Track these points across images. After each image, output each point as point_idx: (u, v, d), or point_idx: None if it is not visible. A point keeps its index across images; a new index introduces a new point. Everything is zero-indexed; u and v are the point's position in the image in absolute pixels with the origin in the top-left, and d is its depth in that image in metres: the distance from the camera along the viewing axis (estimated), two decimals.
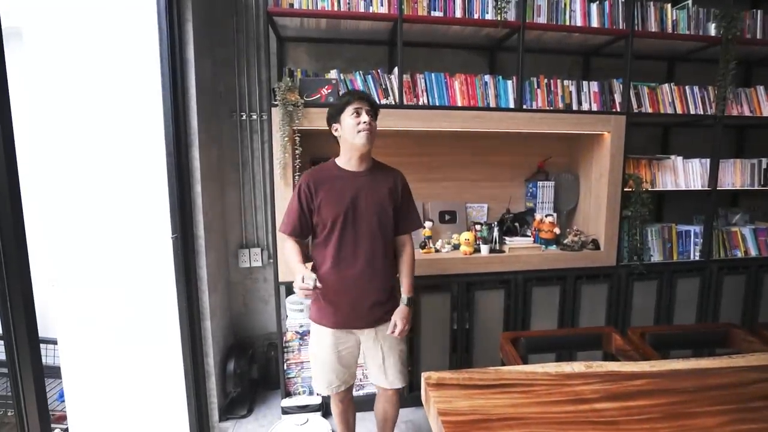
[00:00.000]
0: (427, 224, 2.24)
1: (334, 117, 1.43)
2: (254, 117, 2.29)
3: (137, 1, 1.71)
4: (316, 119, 1.91)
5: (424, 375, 1.14)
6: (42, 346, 2.54)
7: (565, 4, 2.13)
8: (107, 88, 1.73)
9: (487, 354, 2.16)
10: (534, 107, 2.15)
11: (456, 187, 2.41)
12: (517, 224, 2.35)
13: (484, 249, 2.15)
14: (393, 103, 2.02)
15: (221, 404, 2.04)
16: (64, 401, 2.00)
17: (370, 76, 2.04)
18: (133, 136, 1.77)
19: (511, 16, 2.07)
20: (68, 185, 1.74)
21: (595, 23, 2.14)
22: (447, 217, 2.38)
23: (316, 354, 1.53)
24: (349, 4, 1.96)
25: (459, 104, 2.09)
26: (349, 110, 1.38)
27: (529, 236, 2.30)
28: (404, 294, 1.51)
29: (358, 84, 2.02)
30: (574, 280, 2.23)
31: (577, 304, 2.26)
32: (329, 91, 1.97)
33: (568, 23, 2.13)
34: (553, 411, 0.98)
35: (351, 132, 1.37)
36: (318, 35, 2.23)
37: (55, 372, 2.32)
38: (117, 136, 1.75)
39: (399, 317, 1.45)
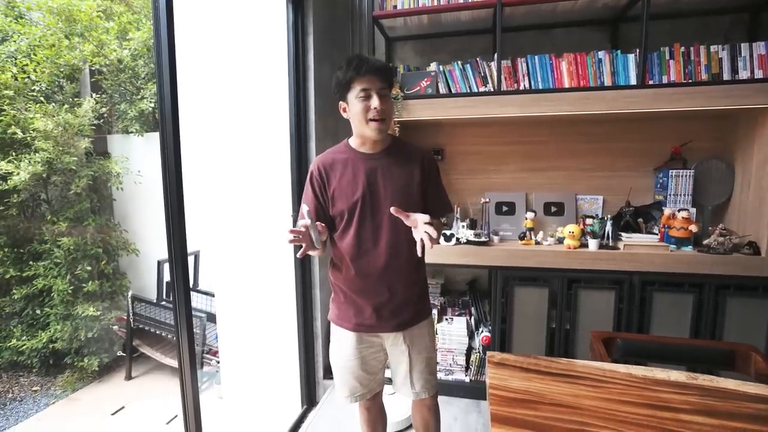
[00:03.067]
0: (529, 215, 2.14)
1: (339, 93, 1.20)
2: None
3: (273, 21, 2.11)
4: (416, 110, 2.02)
5: (488, 353, 1.15)
6: (206, 297, 3.30)
7: None
8: (249, 92, 2.18)
9: (588, 359, 1.95)
10: (665, 82, 1.84)
11: (564, 177, 2.23)
12: (640, 219, 2.05)
13: (592, 244, 1.94)
14: (491, 90, 1.99)
15: (325, 363, 2.34)
16: (218, 341, 2.60)
17: (468, 65, 2.05)
18: (265, 131, 2.19)
19: None
20: (218, 169, 2.25)
21: None
22: (553, 209, 2.22)
23: (336, 360, 1.35)
24: None
25: (566, 86, 1.93)
26: (356, 90, 1.13)
27: (656, 233, 1.98)
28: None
29: (456, 74, 2.05)
30: (716, 290, 1.83)
31: (719, 320, 1.84)
32: (428, 83, 2.06)
33: None
34: (620, 410, 0.89)
35: (360, 120, 1.15)
36: (422, 31, 2.34)
37: (214, 318, 3.01)
38: (254, 131, 2.19)
39: (431, 227, 1.02)
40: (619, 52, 1.89)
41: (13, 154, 3.07)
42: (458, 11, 2.02)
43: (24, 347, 3.23)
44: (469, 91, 2.02)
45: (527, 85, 1.97)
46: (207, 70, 2.34)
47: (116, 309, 3.68)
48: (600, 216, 2.12)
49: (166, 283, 3.58)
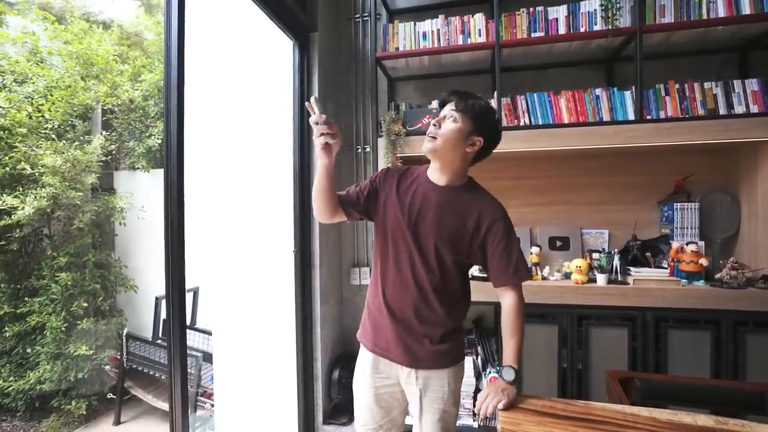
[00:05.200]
0: (534, 249, 2.11)
1: None
2: (368, 149, 2.58)
3: (280, 63, 2.20)
4: (418, 146, 2.05)
5: None
6: (203, 335, 3.19)
7: None
8: (255, 130, 2.23)
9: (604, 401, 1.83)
10: (662, 117, 1.87)
11: (568, 211, 2.22)
12: (648, 253, 2.01)
13: (601, 279, 1.89)
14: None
15: (325, 408, 2.22)
16: (213, 382, 2.47)
17: None
18: (269, 168, 2.21)
19: (625, 22, 1.90)
20: (222, 205, 2.25)
21: (747, 10, 1.79)
22: (558, 244, 2.19)
23: (355, 382, 1.31)
24: (448, 39, 2.10)
25: (566, 122, 1.96)
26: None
27: (666, 267, 1.93)
28: (505, 360, 1.15)
29: None
30: (734, 327, 1.75)
31: (740, 359, 1.75)
32: (429, 120, 2.11)
33: (705, 17, 1.83)
34: None
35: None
36: (423, 72, 2.42)
37: (211, 358, 2.89)
38: (256, 167, 2.22)
39: (491, 389, 1.08)
40: (615, 89, 1.95)
41: (20, 189, 3.11)
42: (458, 53, 2.10)
43: (10, 389, 3.10)
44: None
45: (528, 121, 2.01)
46: (216, 107, 2.41)
47: (110, 348, 3.56)
48: (607, 250, 2.08)
49: (163, 320, 3.49)
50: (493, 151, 1.23)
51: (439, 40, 2.12)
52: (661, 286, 1.83)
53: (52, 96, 3.18)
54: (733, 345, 1.75)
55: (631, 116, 1.89)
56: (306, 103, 1.09)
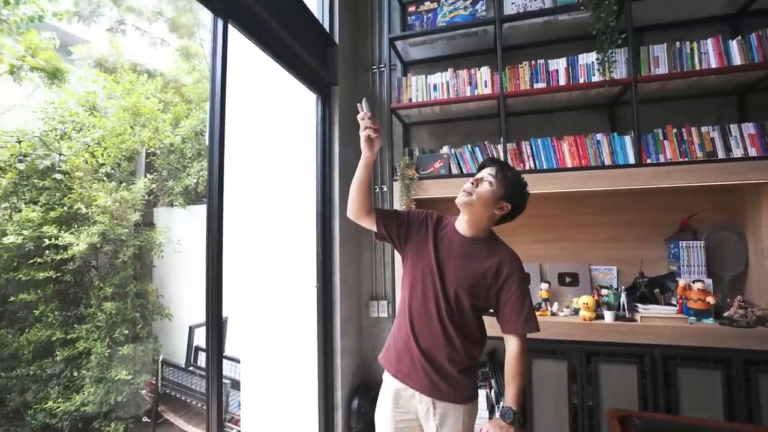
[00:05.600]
0: (544, 285, 2.20)
1: None
2: (385, 189, 2.76)
3: (306, 114, 2.44)
4: (430, 189, 2.22)
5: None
6: (231, 363, 3.39)
7: (691, 49, 1.98)
8: (282, 168, 2.46)
9: None
10: (662, 160, 1.97)
11: (576, 248, 2.30)
12: (657, 290, 2.06)
13: (608, 315, 1.96)
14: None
15: None
16: (240, 409, 2.63)
17: (477, 148, 2.27)
18: (294, 206, 2.43)
19: (621, 72, 2.04)
20: (251, 238, 2.47)
21: (737, 61, 1.90)
22: (568, 280, 2.27)
23: (377, 414, 1.40)
24: (457, 90, 2.30)
25: (569, 165, 2.09)
26: (476, 175, 1.34)
27: (674, 305, 1.98)
28: (505, 402, 1.24)
29: (467, 156, 2.27)
30: (744, 366, 1.77)
31: (754, 400, 1.76)
32: (441, 164, 2.28)
33: (698, 68, 1.95)
34: None
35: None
36: (435, 118, 2.62)
37: (238, 385, 3.06)
38: (283, 205, 2.44)
39: (491, 426, 1.19)
40: (615, 134, 2.07)
41: (76, 226, 3.47)
42: (466, 102, 2.29)
43: (58, 410, 3.36)
44: None
45: (532, 165, 2.14)
46: (247, 151, 2.67)
47: (146, 373, 3.80)
48: (615, 287, 2.15)
49: (195, 348, 3.71)
50: None
51: (448, 91, 2.31)
52: (669, 324, 1.88)
53: (105, 143, 3.58)
54: (744, 385, 1.76)
55: (632, 160, 2.00)
56: (358, 105, 1.28)
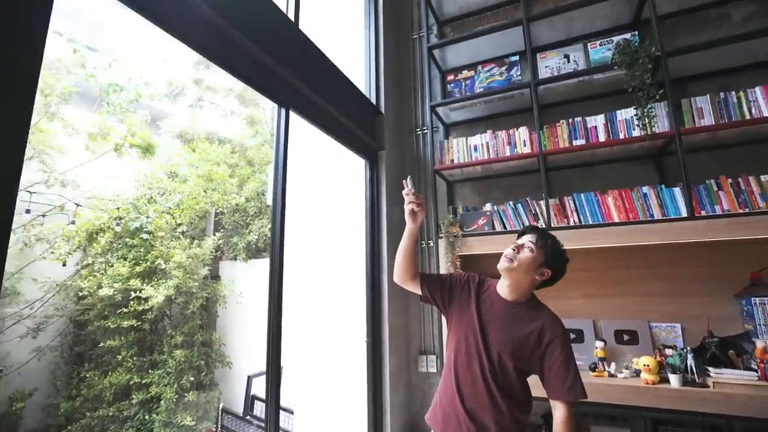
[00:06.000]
0: (599, 344, 2.11)
1: None
2: (431, 244, 2.87)
3: (356, 176, 2.68)
4: (475, 246, 2.29)
5: None
6: (284, 413, 3.47)
7: (738, 98, 1.95)
8: (334, 228, 2.66)
9: None
10: (718, 212, 1.90)
11: (633, 303, 2.20)
12: (732, 352, 1.90)
13: (674, 380, 1.83)
14: (542, 226, 2.20)
15: None
16: None
17: (520, 204, 2.33)
18: (344, 262, 2.59)
19: (663, 126, 2.05)
20: (303, 292, 2.64)
21: None
22: (626, 337, 2.16)
23: None
24: (497, 150, 2.41)
25: (615, 220, 2.07)
26: (516, 241, 1.40)
27: (755, 370, 1.80)
28: None
29: (509, 213, 2.33)
30: None
31: None
32: (484, 221, 2.36)
33: (747, 117, 1.91)
34: None
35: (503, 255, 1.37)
36: (477, 176, 2.73)
37: None
38: (334, 262, 2.61)
39: None
40: (663, 186, 2.04)
41: (155, 279, 3.91)
42: (506, 161, 2.39)
43: None
44: (521, 227, 2.25)
45: (576, 220, 2.15)
46: (303, 212, 2.93)
47: (207, 419, 3.99)
48: (681, 346, 2.01)
49: (252, 397, 3.86)
50: None
51: (488, 151, 2.44)
52: (750, 392, 1.71)
53: (182, 205, 4.11)
54: None
55: (684, 212, 1.95)
56: (403, 181, 1.42)
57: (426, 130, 2.97)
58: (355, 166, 2.69)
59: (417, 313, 2.84)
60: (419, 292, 1.48)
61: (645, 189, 2.06)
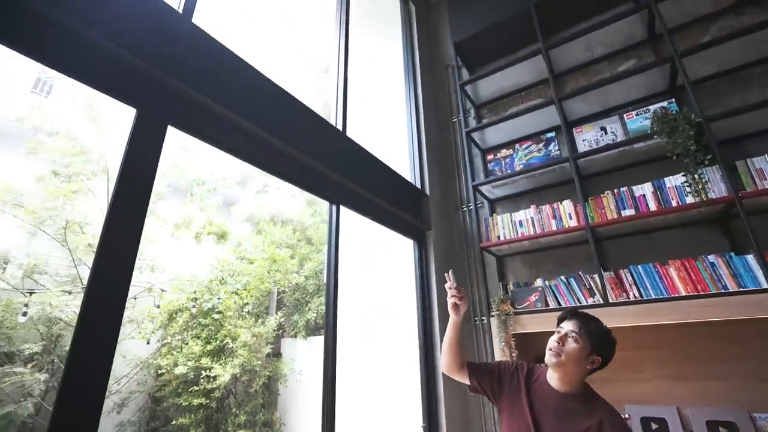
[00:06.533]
0: None
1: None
2: (485, 321, 2.81)
3: (405, 256, 2.79)
4: (528, 324, 2.22)
5: None
6: None
7: None
8: (386, 308, 2.73)
9: None
10: None
11: (725, 388, 1.94)
12: None
13: None
14: (599, 302, 2.10)
15: None
16: None
17: (573, 279, 2.26)
18: (397, 344, 2.61)
19: (719, 190, 1.96)
20: (357, 370, 2.65)
21: None
22: (722, 430, 1.87)
23: None
24: (542, 225, 2.43)
25: (682, 293, 1.93)
26: (557, 328, 1.38)
27: None
28: None
29: (562, 288, 2.26)
30: None
31: None
32: (536, 297, 2.31)
33: None
34: None
35: (547, 347, 1.35)
36: (526, 249, 2.72)
37: None
38: (386, 343, 2.63)
39: None
40: (732, 254, 1.89)
41: (223, 358, 4.15)
42: (554, 236, 2.38)
43: None
44: (577, 303, 2.17)
45: (637, 295, 2.03)
46: (354, 292, 3.06)
47: None
48: None
49: None
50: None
51: (533, 226, 2.46)
52: None
53: (249, 286, 4.46)
54: None
55: (764, 282, 1.77)
56: (445, 275, 1.49)
57: (471, 206, 3.08)
58: (405, 245, 2.82)
59: (475, 396, 2.70)
60: (467, 382, 1.48)
61: (712, 258, 1.93)
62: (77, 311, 4.41)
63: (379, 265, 2.98)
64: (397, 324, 2.73)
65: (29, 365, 3.90)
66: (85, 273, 4.72)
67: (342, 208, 2.15)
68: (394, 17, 3.71)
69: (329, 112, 2.56)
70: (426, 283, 2.69)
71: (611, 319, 2.00)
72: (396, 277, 2.87)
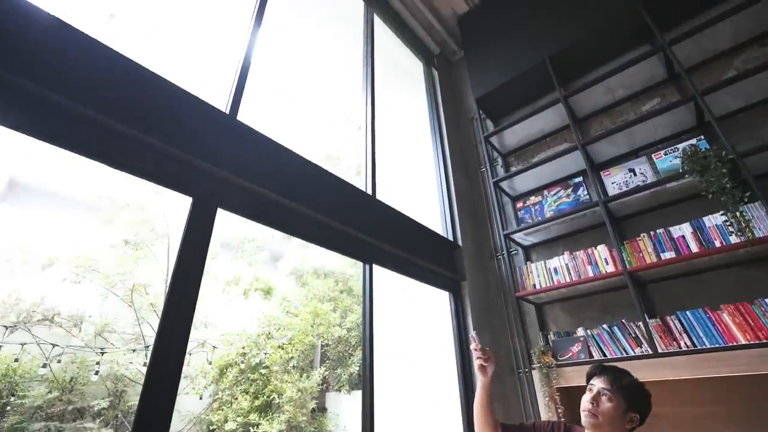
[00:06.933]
0: None
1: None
2: (528, 372, 2.70)
3: (440, 307, 2.81)
4: (573, 378, 2.13)
5: None
6: None
7: None
8: (424, 360, 2.71)
9: None
10: None
11: None
12: None
13: None
14: (648, 352, 1.99)
15: None
16: None
17: (616, 327, 2.17)
18: (436, 396, 2.56)
19: (766, 228, 1.86)
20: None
21: None
22: None
23: None
24: (578, 272, 2.38)
25: (741, 341, 1.79)
26: (588, 386, 1.34)
27: None
28: None
29: (606, 338, 2.17)
30: None
31: None
32: (579, 348, 2.22)
33: None
34: None
35: (581, 407, 1.31)
36: (565, 296, 2.64)
37: None
38: (429, 397, 2.58)
39: None
40: None
41: (270, 414, 4.21)
42: (592, 282, 2.32)
43: None
44: (624, 354, 2.06)
45: (688, 343, 1.91)
46: (392, 344, 3.07)
47: None
48: None
49: None
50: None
51: (569, 272, 2.42)
52: None
53: (293, 341, 4.59)
54: None
55: None
56: (470, 336, 1.51)
57: (506, 253, 3.08)
58: (442, 295, 2.85)
59: None
60: None
61: None
62: (140, 368, 4.73)
63: (417, 316, 3.00)
64: (437, 376, 2.69)
65: (97, 420, 4.19)
66: (147, 330, 5.11)
67: (375, 266, 2.27)
68: (418, 78, 4.00)
69: (361, 163, 2.75)
70: (464, 335, 2.67)
71: (662, 371, 1.89)
72: (434, 327, 2.87)
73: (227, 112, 1.75)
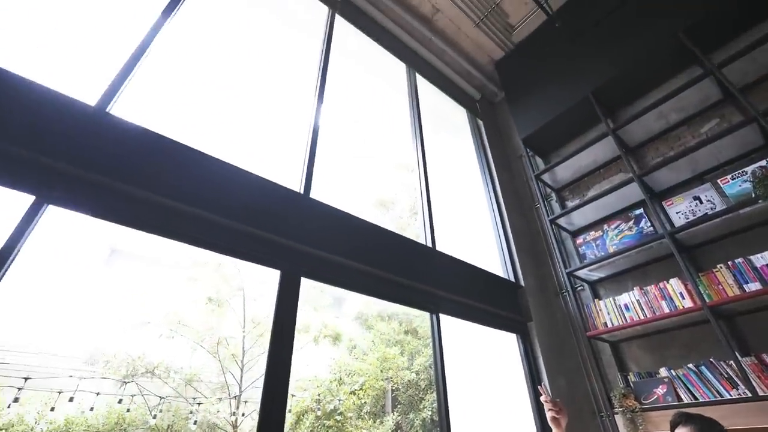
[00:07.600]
0: None
1: None
2: (610, 416, 2.56)
3: (511, 351, 2.80)
4: (661, 423, 2.02)
5: None
6: None
7: None
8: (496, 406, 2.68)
9: None
10: None
11: None
12: None
13: None
14: (745, 394, 1.86)
15: None
16: None
17: (704, 366, 2.05)
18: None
19: None
20: None
21: None
22: None
23: None
24: (652, 307, 2.30)
25: None
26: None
27: None
28: None
29: (694, 379, 2.05)
30: None
31: None
32: (664, 390, 2.11)
33: None
34: None
35: None
36: (643, 332, 2.53)
37: None
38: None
39: None
40: None
41: None
42: (665, 319, 2.23)
43: None
44: (718, 397, 1.93)
45: None
46: (466, 388, 3.06)
47: None
48: None
49: None
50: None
51: (641, 309, 2.34)
52: None
53: (365, 386, 4.70)
54: None
55: None
56: (539, 387, 1.53)
57: (573, 290, 3.02)
58: (511, 338, 2.85)
59: None
60: None
61: None
62: (226, 417, 5.08)
63: (487, 360, 3.01)
64: (511, 423, 2.64)
65: None
66: (230, 380, 5.52)
67: (441, 315, 2.38)
68: (463, 125, 4.20)
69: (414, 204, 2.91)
70: (536, 377, 2.63)
71: (764, 417, 1.75)
72: (504, 371, 2.85)
73: (301, 192, 2.05)
